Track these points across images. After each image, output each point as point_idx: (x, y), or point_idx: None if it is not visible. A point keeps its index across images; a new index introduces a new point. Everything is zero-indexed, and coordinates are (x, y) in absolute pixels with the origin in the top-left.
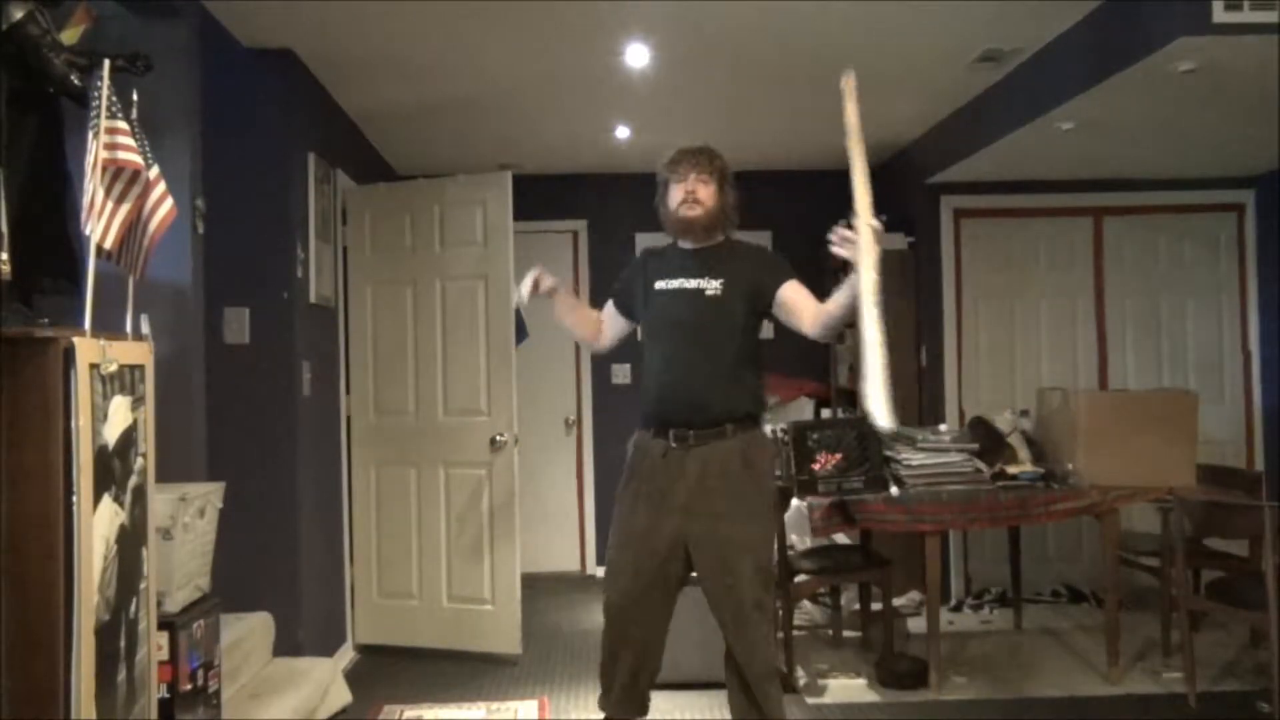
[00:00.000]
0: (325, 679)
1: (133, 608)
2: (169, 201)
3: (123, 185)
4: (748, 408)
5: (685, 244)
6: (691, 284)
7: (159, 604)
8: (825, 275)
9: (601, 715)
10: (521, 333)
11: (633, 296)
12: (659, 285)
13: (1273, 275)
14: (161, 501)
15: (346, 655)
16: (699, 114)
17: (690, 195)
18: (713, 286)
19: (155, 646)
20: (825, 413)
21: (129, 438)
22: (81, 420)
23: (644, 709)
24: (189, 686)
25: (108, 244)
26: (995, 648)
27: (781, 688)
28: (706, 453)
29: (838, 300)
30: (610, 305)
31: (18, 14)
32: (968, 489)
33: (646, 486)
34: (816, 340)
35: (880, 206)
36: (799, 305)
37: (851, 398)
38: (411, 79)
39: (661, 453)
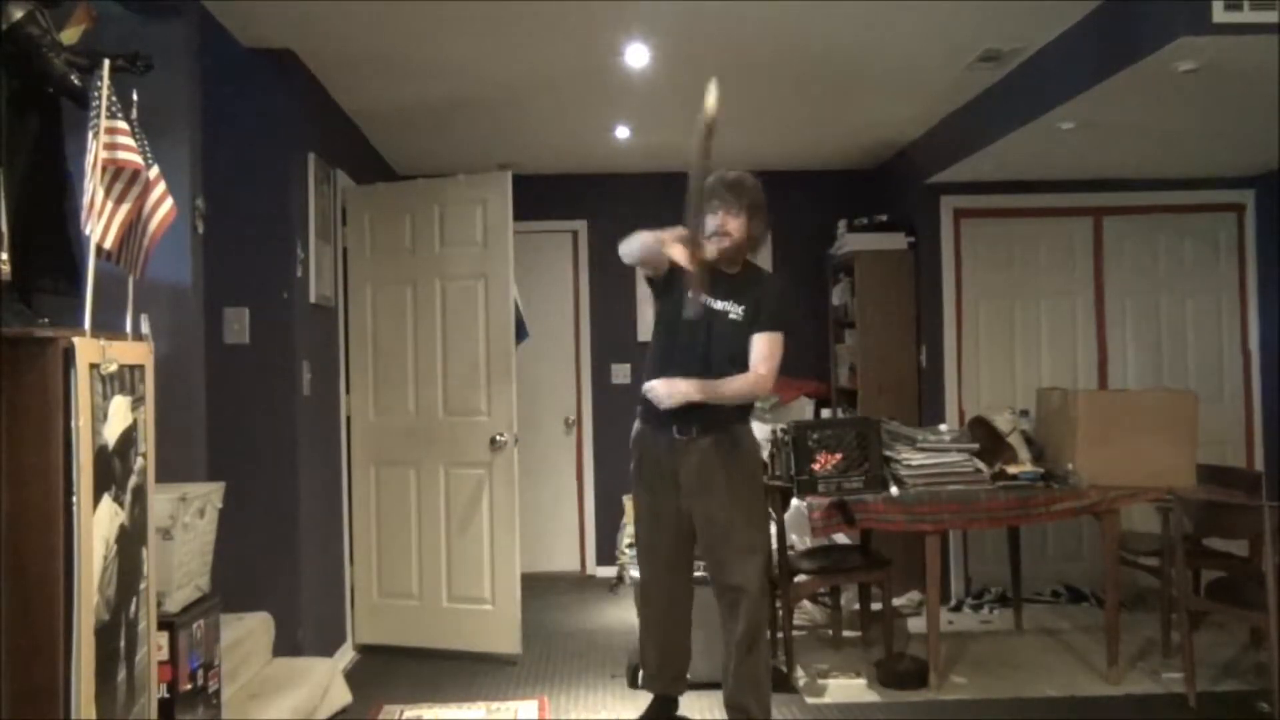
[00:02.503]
0: (325, 679)
1: (133, 608)
2: (169, 201)
3: (123, 185)
4: (738, 411)
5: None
6: (718, 305)
7: (159, 604)
8: (824, 275)
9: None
10: (521, 332)
11: (665, 281)
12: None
13: (1273, 275)
14: (161, 501)
15: (346, 655)
16: (698, 114)
17: (720, 229)
18: (736, 311)
19: (155, 646)
20: (825, 413)
21: (129, 438)
22: (81, 420)
23: (677, 685)
24: (189, 686)
25: (108, 244)
26: (995, 648)
27: (768, 656)
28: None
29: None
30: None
31: (18, 14)
32: (968, 489)
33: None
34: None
35: (880, 206)
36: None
37: (851, 398)
38: (411, 79)
39: (668, 444)
